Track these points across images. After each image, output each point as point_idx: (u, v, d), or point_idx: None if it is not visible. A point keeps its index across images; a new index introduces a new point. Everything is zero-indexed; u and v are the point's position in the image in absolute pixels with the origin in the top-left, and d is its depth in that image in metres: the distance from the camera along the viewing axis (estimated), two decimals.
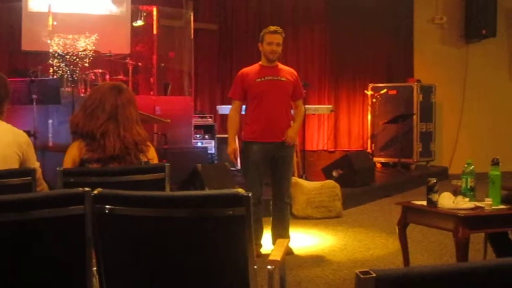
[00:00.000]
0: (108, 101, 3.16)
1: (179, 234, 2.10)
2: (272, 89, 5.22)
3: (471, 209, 3.88)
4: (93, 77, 8.36)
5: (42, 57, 8.44)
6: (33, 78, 7.23)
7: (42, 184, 3.17)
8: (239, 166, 6.57)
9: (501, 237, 4.21)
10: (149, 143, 3.28)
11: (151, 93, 9.04)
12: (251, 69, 5.33)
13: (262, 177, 5.27)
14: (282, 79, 5.27)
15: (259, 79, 5.22)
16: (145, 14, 9.18)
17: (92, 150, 3.10)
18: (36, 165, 3.17)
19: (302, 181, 7.25)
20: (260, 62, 5.33)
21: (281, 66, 5.36)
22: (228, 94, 5.50)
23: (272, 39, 5.23)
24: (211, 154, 8.94)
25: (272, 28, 5.29)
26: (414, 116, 10.20)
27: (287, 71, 5.35)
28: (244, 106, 5.42)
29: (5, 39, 8.81)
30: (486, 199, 3.93)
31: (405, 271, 1.18)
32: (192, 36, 9.33)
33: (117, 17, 9.25)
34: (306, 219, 6.81)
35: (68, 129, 3.29)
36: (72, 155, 3.14)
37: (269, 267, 2.47)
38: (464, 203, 3.90)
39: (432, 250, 5.48)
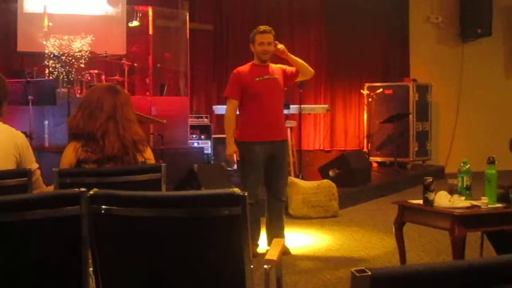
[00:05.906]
0: (106, 101, 3.15)
1: (176, 234, 2.10)
2: (270, 88, 5.22)
3: (467, 208, 3.89)
4: (89, 78, 8.37)
5: (37, 58, 8.43)
6: (28, 79, 7.22)
7: (42, 186, 3.15)
8: (235, 166, 6.54)
9: (499, 233, 4.20)
10: (146, 144, 3.28)
11: (147, 93, 9.02)
12: (246, 68, 5.32)
13: (260, 177, 5.26)
14: (276, 77, 5.29)
15: (258, 78, 5.21)
16: (140, 14, 9.17)
17: (89, 151, 3.09)
18: (35, 166, 3.14)
19: (298, 181, 7.25)
20: (253, 61, 5.33)
21: (271, 64, 5.37)
22: (224, 94, 5.47)
23: (263, 39, 5.23)
24: (208, 154, 8.94)
25: (262, 28, 5.29)
26: (410, 116, 10.22)
27: (276, 69, 5.36)
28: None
29: (0, 40, 8.79)
30: (482, 197, 3.93)
31: (400, 269, 1.18)
32: (188, 37, 9.32)
33: (112, 18, 9.24)
34: (302, 218, 6.80)
35: (64, 130, 3.29)
36: (69, 157, 3.12)
37: (265, 266, 2.47)
38: (460, 202, 3.91)
39: (429, 249, 5.48)
